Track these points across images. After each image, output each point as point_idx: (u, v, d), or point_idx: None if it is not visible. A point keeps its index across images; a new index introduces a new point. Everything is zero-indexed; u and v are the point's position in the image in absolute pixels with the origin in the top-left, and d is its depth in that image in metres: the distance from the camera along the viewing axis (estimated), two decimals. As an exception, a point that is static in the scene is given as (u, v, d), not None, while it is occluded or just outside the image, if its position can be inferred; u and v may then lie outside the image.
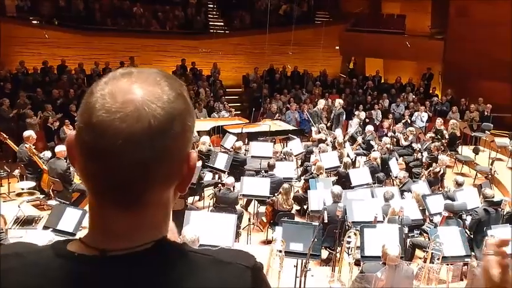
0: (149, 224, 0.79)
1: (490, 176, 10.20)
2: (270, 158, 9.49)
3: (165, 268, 0.77)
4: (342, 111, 13.52)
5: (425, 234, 7.08)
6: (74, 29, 15.26)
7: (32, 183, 7.36)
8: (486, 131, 12.71)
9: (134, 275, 0.76)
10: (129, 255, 0.76)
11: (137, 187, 0.75)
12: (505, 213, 7.07)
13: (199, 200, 9.00)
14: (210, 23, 18.29)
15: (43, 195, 7.63)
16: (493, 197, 7.18)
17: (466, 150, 12.12)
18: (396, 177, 9.40)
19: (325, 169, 9.12)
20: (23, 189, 7.09)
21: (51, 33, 14.90)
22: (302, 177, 9.62)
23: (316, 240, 5.02)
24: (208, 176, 9.22)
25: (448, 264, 5.88)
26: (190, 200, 8.45)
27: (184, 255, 0.81)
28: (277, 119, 13.77)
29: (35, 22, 15.30)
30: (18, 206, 6.24)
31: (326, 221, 6.04)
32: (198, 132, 11.41)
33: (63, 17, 15.53)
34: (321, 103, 13.48)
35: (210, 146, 10.27)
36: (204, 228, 5.15)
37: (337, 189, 7.02)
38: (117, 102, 0.74)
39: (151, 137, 0.73)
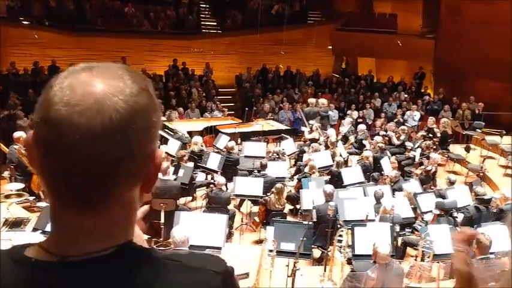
0: (112, 227, 0.76)
1: (481, 174, 10.26)
2: (263, 157, 9.48)
3: (127, 274, 0.74)
4: (327, 109, 13.51)
5: (416, 233, 7.10)
6: (65, 29, 15.16)
7: (21, 185, 7.29)
8: (477, 130, 12.77)
9: (93, 282, 0.72)
10: (90, 260, 0.73)
11: (98, 186, 0.71)
12: (495, 210, 7.11)
13: (191, 201, 8.97)
14: (202, 22, 18.26)
15: (33, 197, 7.56)
16: (484, 195, 7.22)
17: (457, 149, 12.18)
18: (387, 176, 9.42)
19: (318, 168, 9.12)
20: (11, 190, 7.02)
21: (42, 33, 14.81)
22: (295, 177, 9.61)
23: (306, 239, 5.01)
24: (201, 177, 9.19)
25: (439, 262, 5.89)
26: (182, 200, 8.42)
27: (150, 260, 0.77)
28: (269, 119, 13.77)
29: (25, 23, 15.20)
30: (7, 208, 6.18)
31: (315, 219, 6.03)
32: (191, 132, 11.39)
33: (54, 18, 15.43)
34: (311, 102, 13.40)
35: (202, 146, 10.24)
36: (195, 228, 5.13)
37: (329, 188, 7.02)
38: (77, 95, 0.70)
39: (112, 132, 0.69)
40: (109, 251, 0.74)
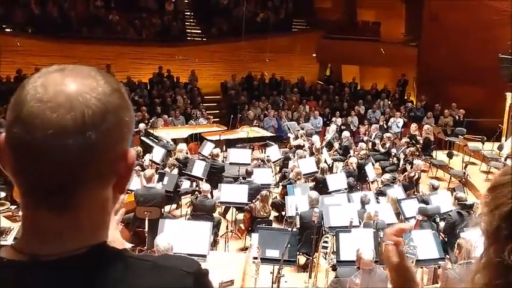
0: (84, 227, 0.76)
1: (463, 179, 10.41)
2: (248, 164, 9.49)
3: (98, 273, 0.74)
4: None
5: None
6: (49, 37, 15.01)
7: (3, 194, 7.18)
8: (459, 136, 12.97)
9: (64, 281, 0.72)
10: (61, 260, 0.73)
11: (69, 186, 0.72)
12: (477, 215, 7.20)
13: (176, 209, 8.92)
14: (187, 30, 18.27)
15: (15, 206, 7.45)
16: (466, 200, 7.32)
17: (440, 155, 12.35)
18: (373, 181, 9.54)
19: (303, 175, 9.16)
20: (-8, 200, 6.92)
21: (25, 41, 14.65)
22: (280, 184, 9.64)
23: (290, 246, 5.02)
24: (186, 184, 9.15)
25: (422, 267, 5.95)
26: (167, 208, 8.37)
27: (122, 261, 0.78)
28: (255, 126, 13.81)
29: (8, 30, 15.03)
30: (-12, 218, 6.08)
31: (298, 226, 6.04)
32: (175, 139, 11.36)
33: (38, 25, 15.28)
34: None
35: (187, 153, 10.21)
36: (179, 236, 5.10)
37: (314, 194, 7.05)
38: (49, 93, 0.71)
39: (84, 128, 0.70)
40: (81, 251, 0.74)
